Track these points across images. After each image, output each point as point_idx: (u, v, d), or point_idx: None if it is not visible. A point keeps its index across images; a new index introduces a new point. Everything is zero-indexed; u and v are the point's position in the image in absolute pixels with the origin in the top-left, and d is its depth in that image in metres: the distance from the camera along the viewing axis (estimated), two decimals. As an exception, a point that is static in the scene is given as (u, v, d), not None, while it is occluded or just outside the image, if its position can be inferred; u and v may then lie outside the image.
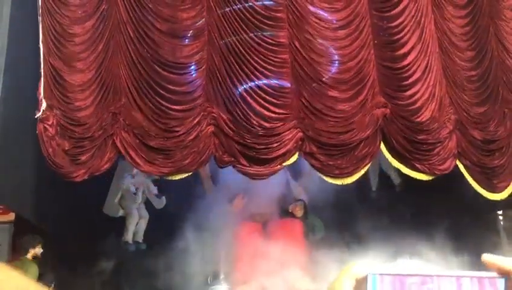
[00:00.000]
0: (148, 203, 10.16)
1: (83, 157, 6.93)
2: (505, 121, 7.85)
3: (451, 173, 7.70)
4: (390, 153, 7.56)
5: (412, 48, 7.47)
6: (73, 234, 8.88)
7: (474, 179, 7.70)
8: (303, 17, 7.37)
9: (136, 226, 9.86)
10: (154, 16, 7.17)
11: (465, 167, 7.68)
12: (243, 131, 7.12)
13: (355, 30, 7.49)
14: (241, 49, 7.20)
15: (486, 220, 8.37)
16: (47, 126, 6.73)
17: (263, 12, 7.29)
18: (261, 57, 7.20)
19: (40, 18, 6.94)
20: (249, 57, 7.17)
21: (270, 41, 7.28)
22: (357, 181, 9.13)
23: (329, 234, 8.62)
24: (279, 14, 7.36)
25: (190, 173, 7.46)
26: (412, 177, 9.61)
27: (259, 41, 7.24)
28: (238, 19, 7.24)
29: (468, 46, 7.82)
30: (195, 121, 7.11)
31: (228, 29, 7.25)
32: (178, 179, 9.11)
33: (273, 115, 7.22)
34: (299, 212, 9.10)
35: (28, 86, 7.39)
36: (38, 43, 6.97)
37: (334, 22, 7.57)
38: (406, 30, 7.49)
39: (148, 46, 7.14)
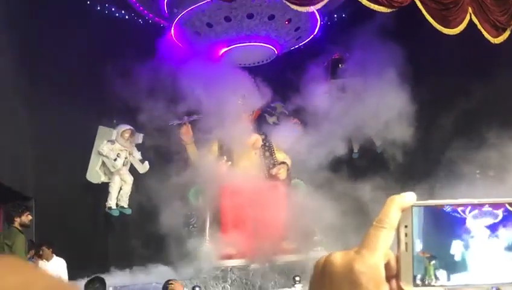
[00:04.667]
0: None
1: None
2: None
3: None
4: None
5: None
6: (58, 201, 8.85)
7: (430, 15, 8.26)
8: None
9: (120, 191, 9.85)
10: None
11: (422, 2, 8.21)
12: None
13: None
14: None
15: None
16: None
17: None
18: None
19: None
20: None
21: None
22: (340, 145, 9.23)
23: (311, 195, 8.75)
24: None
25: None
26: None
27: None
28: None
29: None
30: None
31: None
32: (160, 144, 9.11)
33: None
34: (282, 175, 9.20)
35: None
36: None
37: None
38: None
39: None
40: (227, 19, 9.40)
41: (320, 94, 9.57)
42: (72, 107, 9.11)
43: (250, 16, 9.39)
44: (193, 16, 9.53)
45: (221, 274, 8.23)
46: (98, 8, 10.23)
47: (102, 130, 10.01)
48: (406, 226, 0.62)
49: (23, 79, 8.57)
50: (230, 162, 9.03)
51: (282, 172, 9.23)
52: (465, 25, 8.35)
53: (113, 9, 10.48)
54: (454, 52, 8.94)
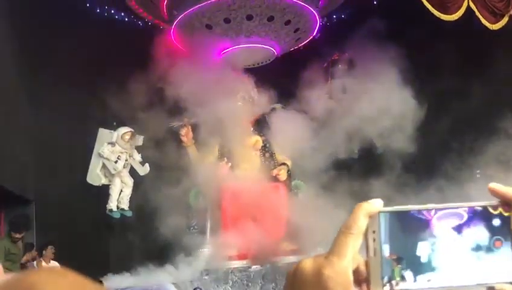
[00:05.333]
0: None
1: None
2: None
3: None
4: None
5: None
6: (59, 204, 8.85)
7: (429, 1, 8.33)
8: None
9: (120, 193, 9.86)
10: None
11: None
12: None
13: None
14: None
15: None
16: None
17: None
18: None
19: None
20: None
21: None
22: (340, 146, 9.24)
23: (312, 196, 8.75)
24: None
25: None
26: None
27: None
28: None
29: None
30: None
31: None
32: (161, 147, 9.12)
33: None
34: (282, 176, 9.20)
35: None
36: None
37: None
38: None
39: None
40: (227, 20, 9.41)
41: (320, 95, 9.57)
42: (72, 110, 9.12)
43: (249, 18, 9.40)
44: (192, 18, 9.54)
45: (222, 276, 8.23)
46: (98, 10, 10.24)
47: (102, 132, 10.02)
48: (373, 232, 0.64)
49: (23, 82, 8.58)
50: (230, 164, 9.04)
51: (282, 173, 9.22)
52: (463, 11, 8.34)
53: (112, 11, 10.50)
54: (455, 51, 8.94)
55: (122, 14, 10.58)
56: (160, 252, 8.55)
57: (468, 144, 8.15)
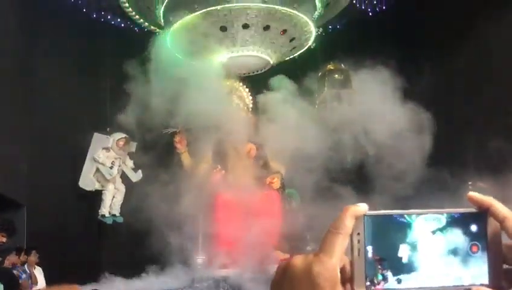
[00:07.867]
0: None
1: None
2: None
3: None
4: None
5: None
6: (50, 209, 8.80)
7: None
8: None
9: (113, 199, 9.83)
10: None
11: None
12: None
13: None
14: None
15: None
16: None
17: None
18: None
19: None
20: None
21: None
22: (334, 154, 9.28)
23: (305, 205, 8.75)
24: None
25: None
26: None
27: None
28: None
29: None
30: None
31: None
32: (154, 152, 9.10)
33: None
34: (276, 184, 9.21)
35: None
36: None
37: None
38: None
39: None
40: (223, 28, 9.45)
41: (314, 105, 9.60)
42: (65, 114, 9.10)
43: (245, 26, 9.44)
44: (189, 25, 9.57)
45: (213, 284, 8.20)
46: (94, 15, 10.25)
47: (97, 137, 9.97)
48: (358, 234, 0.68)
49: (16, 86, 8.55)
50: (224, 171, 9.04)
51: (276, 181, 9.24)
52: None
53: (108, 17, 10.51)
54: (453, 61, 9.01)
55: (119, 20, 10.60)
56: (152, 259, 8.51)
57: (461, 156, 8.18)
